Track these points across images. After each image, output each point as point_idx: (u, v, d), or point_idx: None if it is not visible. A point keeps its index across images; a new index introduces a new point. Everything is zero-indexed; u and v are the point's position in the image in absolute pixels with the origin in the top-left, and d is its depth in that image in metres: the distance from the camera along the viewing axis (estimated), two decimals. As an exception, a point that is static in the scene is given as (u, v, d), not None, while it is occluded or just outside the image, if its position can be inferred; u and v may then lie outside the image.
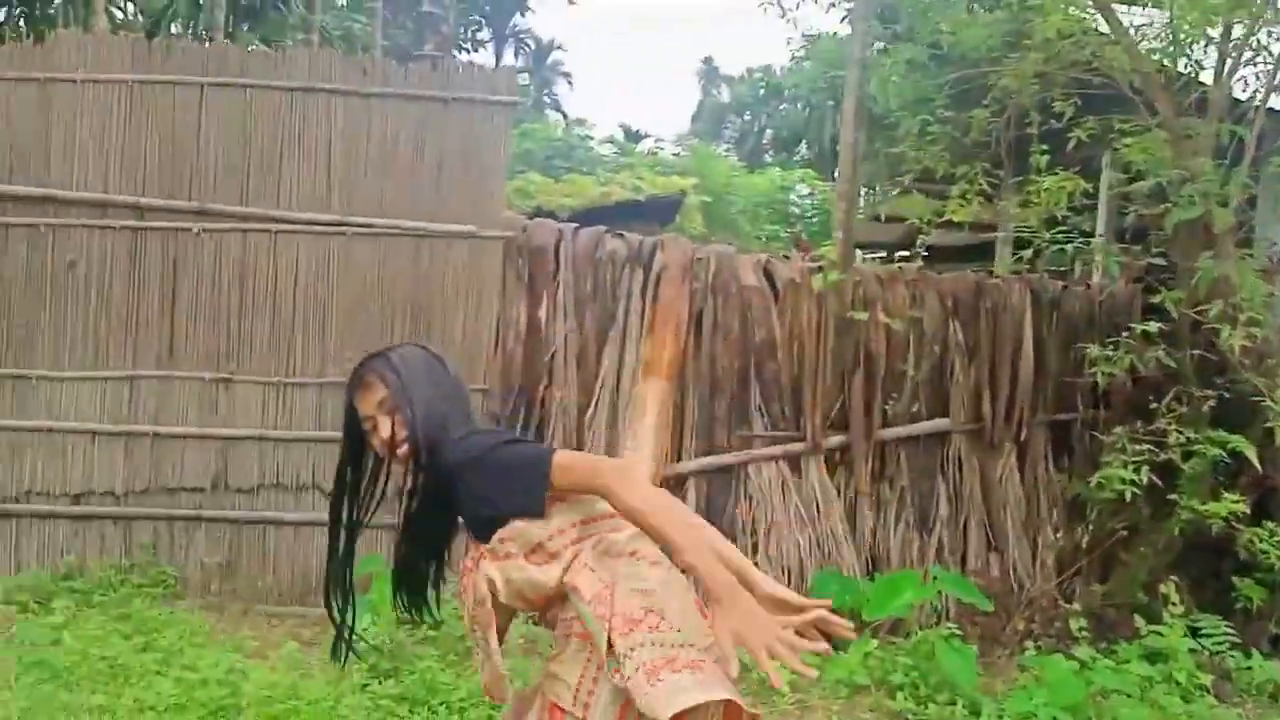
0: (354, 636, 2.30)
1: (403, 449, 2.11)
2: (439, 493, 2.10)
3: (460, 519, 2.16)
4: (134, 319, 5.27)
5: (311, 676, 4.24)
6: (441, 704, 4.01)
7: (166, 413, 5.25)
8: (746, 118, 29.23)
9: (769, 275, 5.48)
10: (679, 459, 5.26)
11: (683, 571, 1.90)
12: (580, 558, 1.97)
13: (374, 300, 5.31)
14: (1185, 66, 5.92)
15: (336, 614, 2.28)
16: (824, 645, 1.88)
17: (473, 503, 2.06)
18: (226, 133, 5.30)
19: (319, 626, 4.95)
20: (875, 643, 4.69)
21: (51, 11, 19.64)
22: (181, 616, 4.80)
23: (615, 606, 1.89)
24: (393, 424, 2.11)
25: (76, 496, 5.21)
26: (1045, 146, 5.87)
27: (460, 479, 2.05)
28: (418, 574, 2.32)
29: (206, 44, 5.63)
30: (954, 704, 4.24)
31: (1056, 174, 5.83)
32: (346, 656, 2.31)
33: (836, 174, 5.68)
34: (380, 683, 4.15)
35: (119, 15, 22.74)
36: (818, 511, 5.26)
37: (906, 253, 9.58)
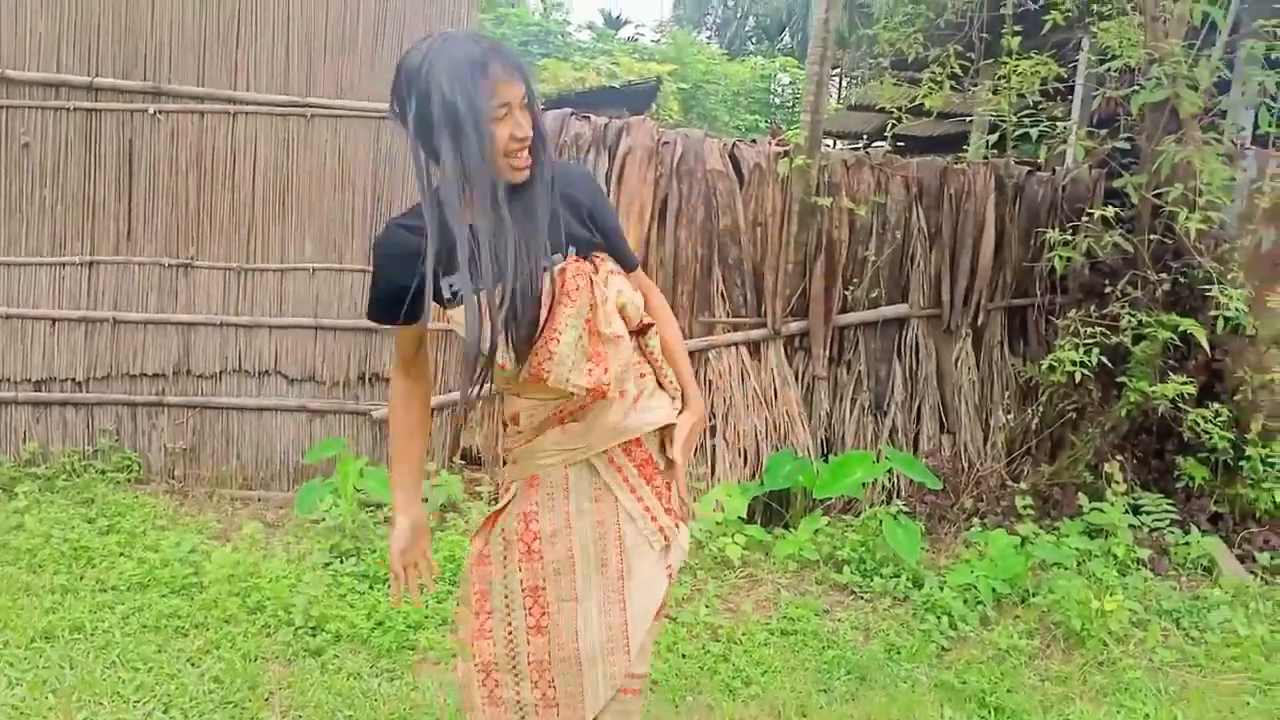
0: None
1: (526, 155, 1.95)
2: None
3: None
4: (91, 203, 5.20)
5: (274, 556, 4.34)
6: (401, 580, 4.11)
7: (126, 299, 5.23)
8: (729, 5, 28.48)
9: (735, 160, 5.43)
10: (640, 344, 5.29)
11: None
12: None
13: (334, 184, 5.26)
14: (1164, -55, 5.80)
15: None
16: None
17: (582, 218, 2.12)
18: (182, 10, 5.15)
19: (282, 510, 5.04)
20: (825, 520, 4.82)
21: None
22: (145, 501, 4.88)
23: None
24: (532, 123, 1.95)
25: (38, 383, 5.23)
26: (1019, 29, 5.78)
27: (578, 190, 2.12)
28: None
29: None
30: (898, 577, 4.38)
31: (1030, 58, 5.77)
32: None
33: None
34: (341, 562, 4.26)
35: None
36: (775, 395, 5.33)
37: (879, 143, 9.50)
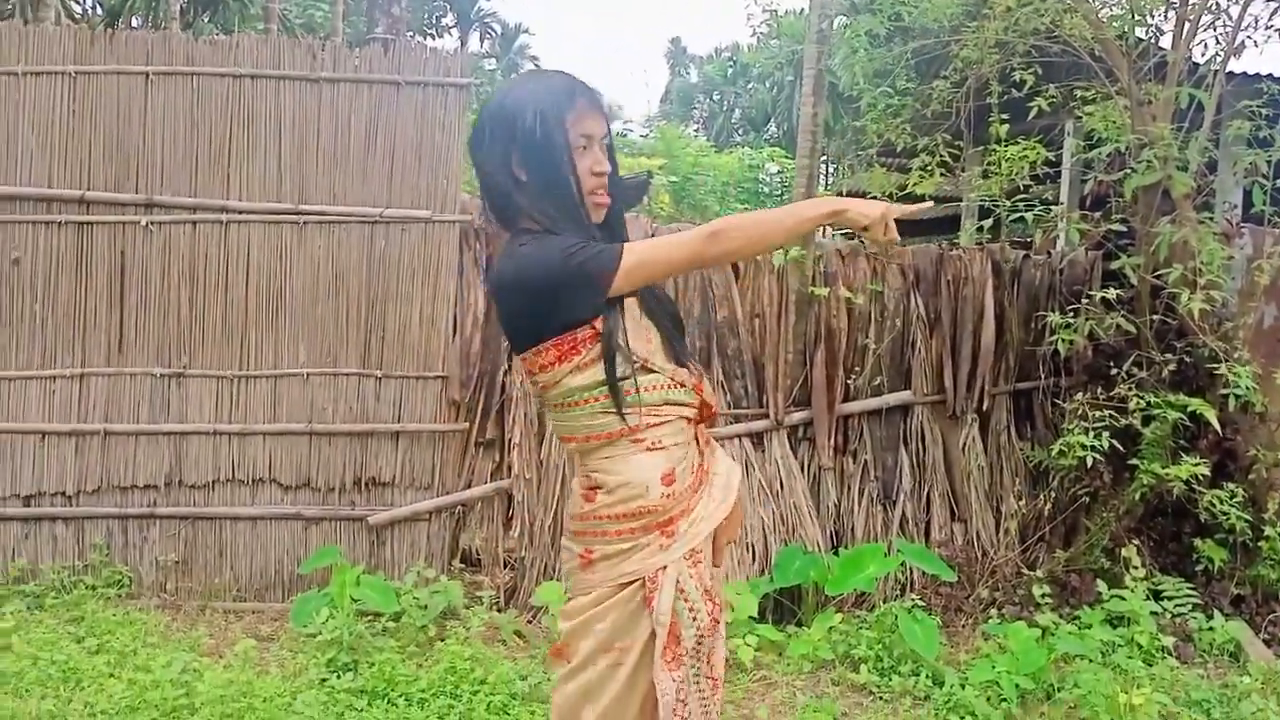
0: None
1: (605, 193, 2.02)
2: None
3: None
4: (82, 315, 5.16)
5: (268, 673, 4.18)
6: (401, 696, 3.95)
7: (117, 410, 5.15)
8: (715, 98, 29.12)
9: (729, 252, 5.41)
10: (641, 440, 5.20)
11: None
12: None
13: (328, 289, 5.22)
14: (1145, 32, 5.90)
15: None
16: None
17: None
18: (173, 123, 5.18)
19: (276, 622, 4.89)
20: (839, 617, 4.67)
21: (8, 5, 19.39)
22: (136, 617, 4.72)
23: None
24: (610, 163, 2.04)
25: (27, 498, 5.11)
26: (1005, 116, 5.84)
27: None
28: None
29: (150, 33, 5.47)
30: (917, 675, 4.22)
31: (1018, 143, 5.81)
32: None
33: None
34: (339, 676, 4.09)
35: (77, 9, 22.50)
36: (781, 487, 5.23)
37: (871, 227, 9.52)
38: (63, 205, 5.14)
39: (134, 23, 19.85)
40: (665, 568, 1.98)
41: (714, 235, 1.91)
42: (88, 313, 5.16)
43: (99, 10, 22.87)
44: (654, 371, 2.01)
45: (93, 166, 5.16)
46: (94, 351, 5.16)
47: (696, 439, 2.10)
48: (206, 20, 20.44)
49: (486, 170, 2.01)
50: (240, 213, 5.19)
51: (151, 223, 5.15)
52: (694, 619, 2.00)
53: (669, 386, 2.02)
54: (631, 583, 1.99)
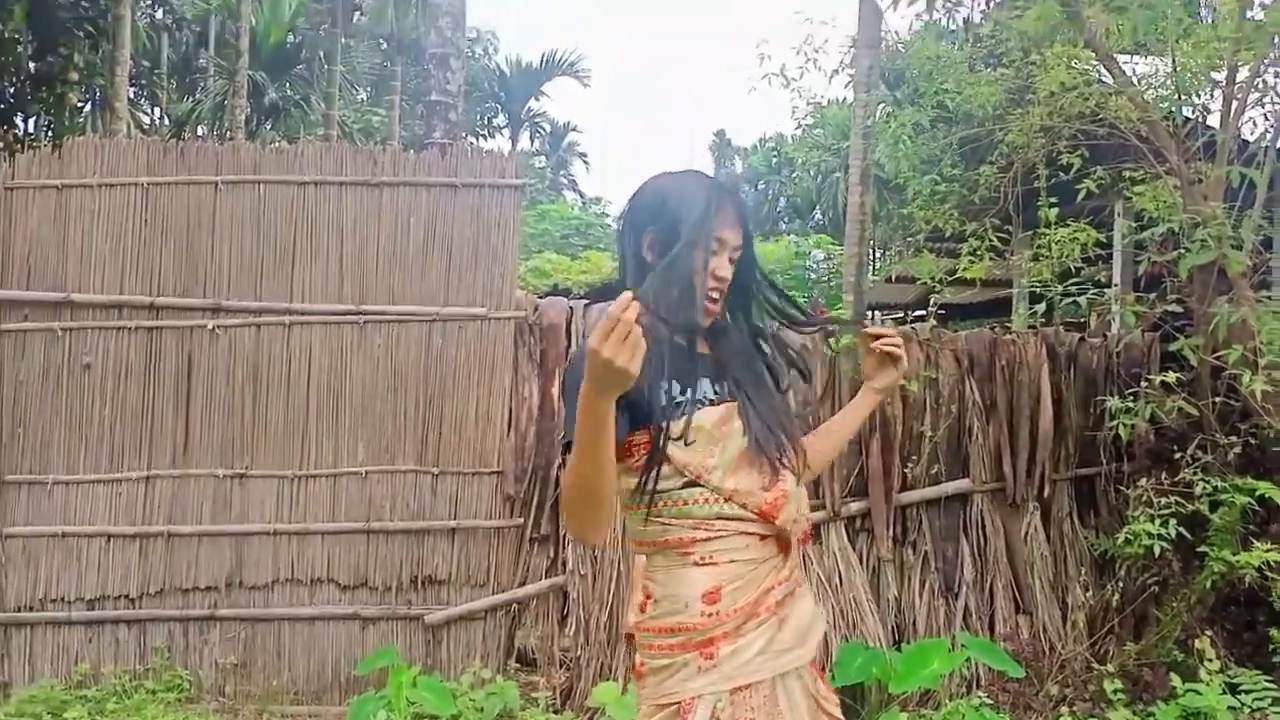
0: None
1: (717, 301, 2.04)
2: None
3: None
4: (149, 418, 5.30)
5: (326, 776, 4.15)
6: (460, 799, 3.91)
7: (181, 511, 5.25)
8: (760, 187, 29.49)
9: (780, 341, 5.43)
10: (697, 533, 5.17)
11: None
12: None
13: (386, 387, 5.32)
14: (1191, 112, 5.91)
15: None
16: None
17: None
18: (240, 229, 5.36)
19: (335, 723, 4.87)
20: (904, 716, 4.54)
21: (81, 120, 20.34)
22: (196, 720, 4.74)
23: None
24: (732, 275, 2.06)
25: (91, 602, 5.19)
26: (1054, 199, 5.85)
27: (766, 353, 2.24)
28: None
29: (218, 144, 5.71)
30: (988, 777, 4.09)
31: (1068, 225, 5.80)
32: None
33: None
34: (397, 780, 4.06)
35: (145, 120, 23.53)
36: (840, 581, 5.15)
37: (921, 312, 9.55)
38: (133, 311, 5.31)
39: (199, 131, 20.72)
40: (701, 696, 1.90)
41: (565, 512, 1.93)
42: (155, 415, 5.29)
43: (166, 120, 23.92)
44: (700, 486, 1.93)
45: (163, 273, 5.34)
46: (160, 454, 5.28)
47: (784, 559, 2.01)
48: (269, 128, 21.28)
49: (623, 247, 2.08)
50: (303, 314, 5.32)
51: (218, 326, 5.30)
52: None
53: (720, 501, 1.93)
54: (672, 705, 1.92)
